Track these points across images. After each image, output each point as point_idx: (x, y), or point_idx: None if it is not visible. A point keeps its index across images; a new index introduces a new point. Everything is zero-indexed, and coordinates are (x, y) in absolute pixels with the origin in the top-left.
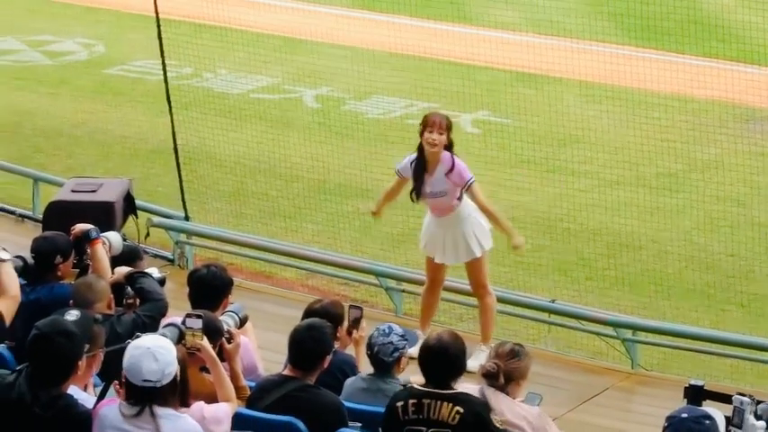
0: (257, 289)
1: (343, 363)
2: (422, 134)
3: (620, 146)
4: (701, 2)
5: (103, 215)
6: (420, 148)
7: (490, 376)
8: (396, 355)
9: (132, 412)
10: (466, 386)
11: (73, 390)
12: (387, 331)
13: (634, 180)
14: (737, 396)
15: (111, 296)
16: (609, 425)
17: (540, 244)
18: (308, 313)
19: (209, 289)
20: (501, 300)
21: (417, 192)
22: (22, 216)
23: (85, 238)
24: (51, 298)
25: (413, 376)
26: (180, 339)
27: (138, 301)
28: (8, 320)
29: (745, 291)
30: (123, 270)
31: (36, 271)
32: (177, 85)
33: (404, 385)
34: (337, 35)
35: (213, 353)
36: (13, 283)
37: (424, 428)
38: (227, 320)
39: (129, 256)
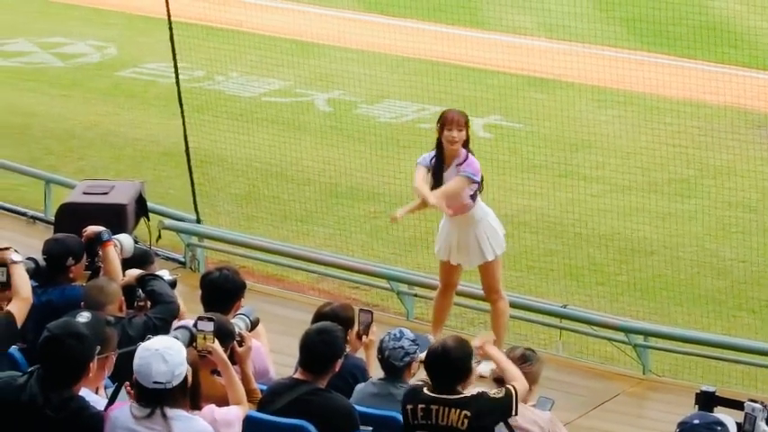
0: (268, 292)
1: (353, 367)
2: (440, 132)
3: (632, 151)
4: (713, 7)
5: (115, 217)
6: (439, 146)
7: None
8: (407, 359)
9: (143, 414)
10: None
11: (84, 392)
12: (398, 336)
13: (646, 185)
14: (749, 402)
15: (122, 298)
16: (620, 430)
17: (552, 249)
18: (318, 316)
19: (222, 292)
20: (513, 305)
21: (436, 187)
22: (34, 218)
23: (97, 241)
24: (63, 300)
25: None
26: (191, 342)
27: (149, 303)
28: (20, 322)
29: (756, 297)
30: (135, 272)
31: (48, 273)
32: (189, 87)
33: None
34: (349, 39)
35: (224, 356)
36: (25, 284)
37: None
38: (238, 323)
39: (140, 259)
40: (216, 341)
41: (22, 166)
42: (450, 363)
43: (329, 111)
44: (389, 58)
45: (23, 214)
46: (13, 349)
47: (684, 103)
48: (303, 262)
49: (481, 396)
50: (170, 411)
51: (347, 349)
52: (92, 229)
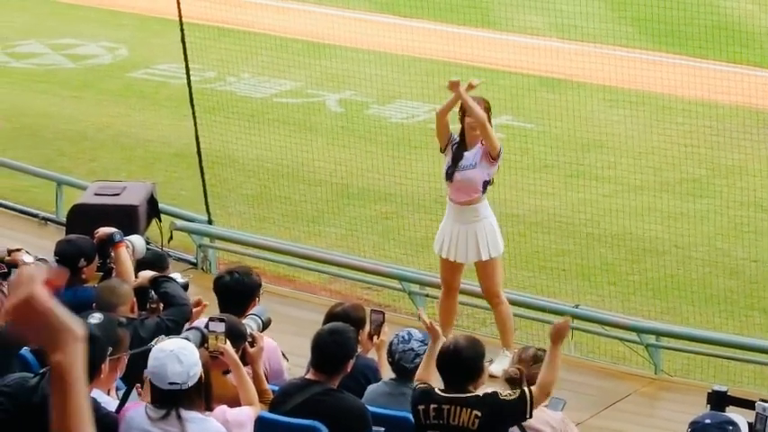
0: (280, 293)
1: (365, 367)
2: (462, 120)
3: (644, 151)
4: (725, 7)
5: (127, 218)
6: (462, 131)
7: (513, 381)
8: (417, 360)
9: (159, 415)
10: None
11: (96, 393)
12: (407, 338)
13: (657, 185)
14: (760, 402)
15: (134, 300)
16: (632, 430)
17: (564, 249)
18: (329, 316)
19: (234, 295)
20: (524, 304)
21: (453, 168)
22: (46, 219)
23: (109, 242)
24: (75, 301)
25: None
26: (203, 343)
27: (161, 305)
28: None
29: None
30: (148, 274)
31: None
32: (200, 88)
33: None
34: (361, 39)
35: (236, 356)
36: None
37: None
38: (249, 324)
39: (156, 262)
40: (227, 342)
41: (34, 167)
42: (462, 362)
43: (340, 111)
44: (401, 58)
45: (35, 216)
46: (25, 350)
47: (696, 103)
48: (315, 263)
49: (492, 396)
50: (185, 413)
51: (359, 350)
52: (104, 230)
